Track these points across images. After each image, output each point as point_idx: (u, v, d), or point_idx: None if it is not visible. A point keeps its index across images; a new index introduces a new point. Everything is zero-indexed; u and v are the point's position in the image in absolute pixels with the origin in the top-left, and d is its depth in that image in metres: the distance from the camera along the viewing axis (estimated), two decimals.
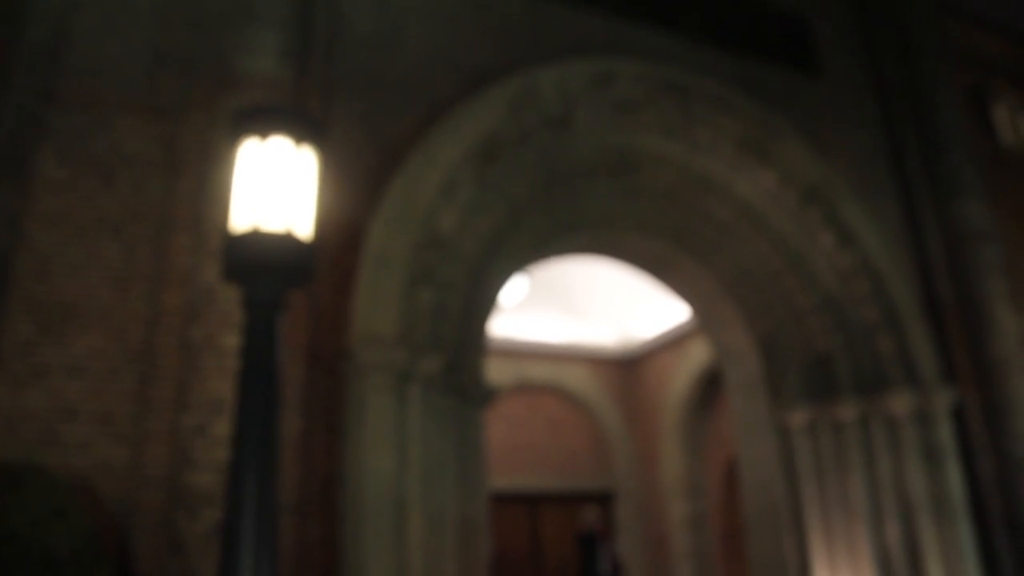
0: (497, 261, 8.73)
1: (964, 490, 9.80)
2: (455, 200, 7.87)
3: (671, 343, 17.70)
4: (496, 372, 17.07)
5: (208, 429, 6.25)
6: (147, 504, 6.24)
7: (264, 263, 3.39)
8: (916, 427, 9.93)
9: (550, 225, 9.37)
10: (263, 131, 3.55)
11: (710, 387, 16.85)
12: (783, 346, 10.49)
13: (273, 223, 3.47)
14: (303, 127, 3.60)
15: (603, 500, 18.12)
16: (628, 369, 18.79)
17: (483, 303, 8.53)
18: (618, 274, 16.40)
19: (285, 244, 3.43)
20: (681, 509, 17.13)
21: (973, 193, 11.19)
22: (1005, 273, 11.83)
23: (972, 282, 10.75)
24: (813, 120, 10.90)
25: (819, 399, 10.25)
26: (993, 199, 13.20)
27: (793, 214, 10.21)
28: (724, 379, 11.49)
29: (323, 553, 6.79)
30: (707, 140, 9.76)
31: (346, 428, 6.98)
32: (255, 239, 3.40)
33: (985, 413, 10.30)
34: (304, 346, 7.07)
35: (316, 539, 6.78)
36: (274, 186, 3.52)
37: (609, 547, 10.60)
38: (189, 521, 5.92)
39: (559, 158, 9.00)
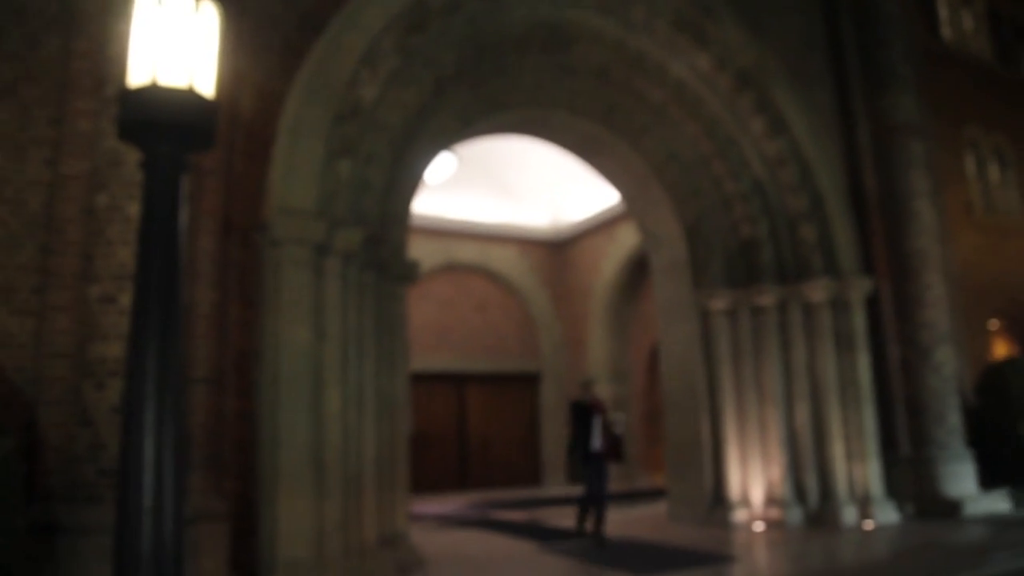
0: (423, 136, 8.49)
1: (871, 375, 10.17)
2: (378, 70, 7.54)
3: (601, 226, 17.75)
4: (424, 252, 16.93)
5: (117, 299, 6.03)
6: (52, 376, 6.06)
7: (163, 119, 3.18)
8: (832, 314, 10.19)
9: (479, 101, 9.10)
10: None
11: (638, 272, 17.03)
12: (709, 231, 10.56)
13: (173, 77, 3.26)
14: None
15: (529, 381, 18.46)
16: (558, 251, 18.85)
17: (407, 178, 8.33)
18: (550, 155, 16.16)
19: (186, 100, 3.23)
20: (605, 392, 17.55)
21: (906, 88, 11.20)
22: (930, 170, 12.03)
23: (897, 176, 10.89)
24: (751, 3, 10.66)
25: (741, 285, 10.41)
26: (927, 95, 13.28)
27: (726, 98, 10.11)
28: (650, 263, 11.58)
29: (238, 426, 6.74)
30: (642, 18, 9.50)
31: (262, 301, 6.83)
32: (153, 93, 3.19)
33: (897, 304, 10.61)
34: (218, 217, 6.82)
35: (231, 412, 6.72)
36: (174, 40, 3.29)
37: (604, 420, 9.07)
38: (96, 392, 5.77)
39: (490, 30, 8.67)
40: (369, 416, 7.29)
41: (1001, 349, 21.71)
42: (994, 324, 20.06)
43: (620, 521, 11.37)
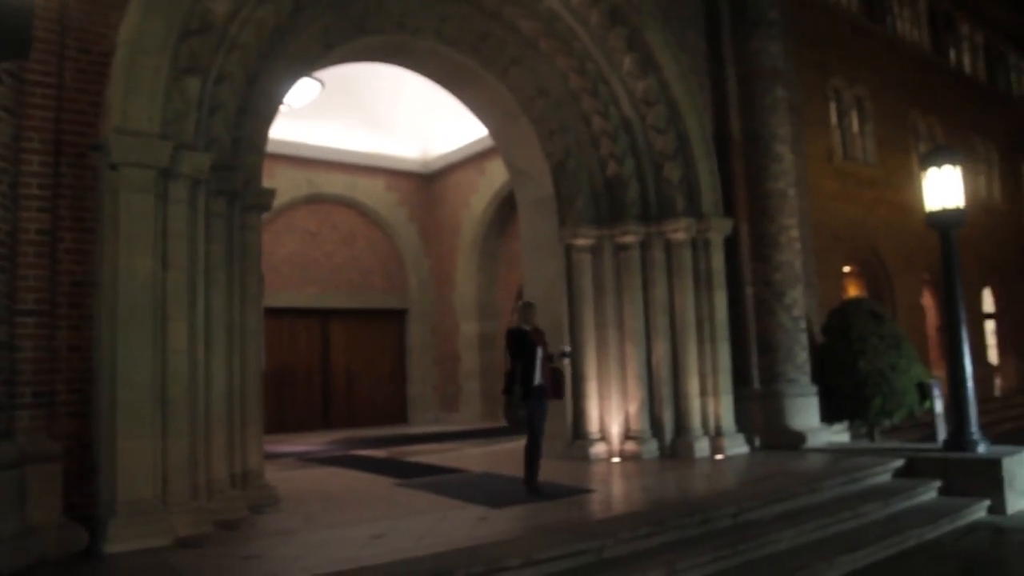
0: (281, 58, 8.00)
1: (728, 314, 10.48)
2: None
3: (472, 159, 17.46)
4: (287, 182, 16.33)
5: None
6: None
7: None
8: (693, 254, 10.39)
9: (342, 23, 8.65)
10: None
11: (508, 208, 16.88)
12: (575, 168, 10.52)
13: None
14: None
15: (396, 318, 18.25)
16: (427, 184, 18.54)
17: (264, 103, 7.86)
18: (421, 84, 15.75)
19: None
20: (472, 328, 17.55)
21: (775, 34, 11.35)
22: (793, 115, 12.37)
23: (761, 120, 11.10)
24: None
25: (606, 222, 10.46)
26: (796, 43, 13.58)
27: (596, 34, 9.99)
28: (516, 199, 11.50)
29: (73, 362, 6.29)
30: None
31: (100, 228, 6.34)
32: None
33: (754, 245, 10.93)
34: (48, 134, 6.25)
35: (65, 347, 6.26)
36: None
37: (545, 352, 7.90)
38: None
39: None
40: (219, 351, 6.94)
41: (854, 292, 22.99)
42: (848, 268, 21.20)
43: (483, 455, 11.47)
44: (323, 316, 17.30)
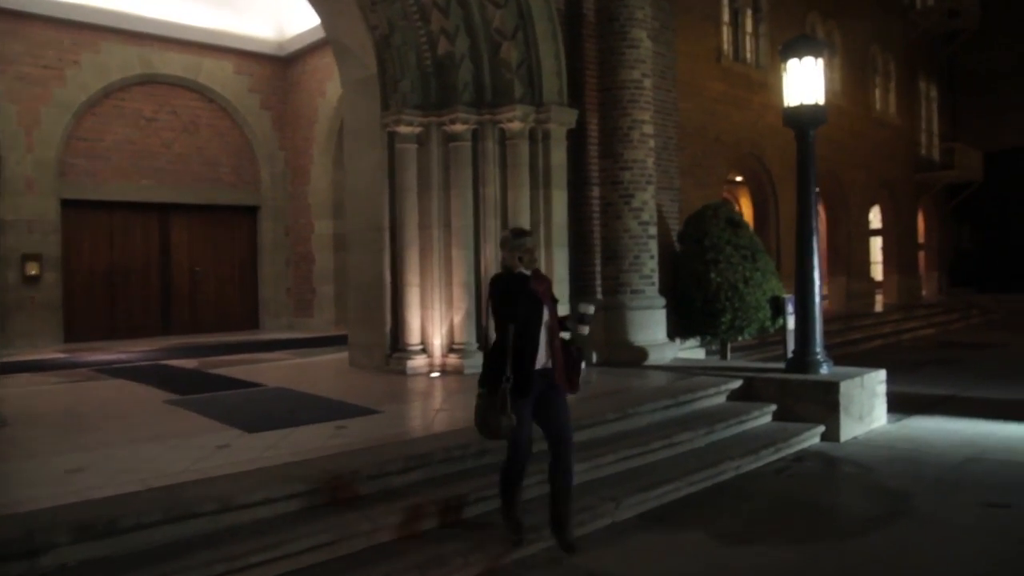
0: None
1: (568, 216, 9.43)
2: None
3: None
4: (113, 59, 14.48)
5: None
6: None
7: None
8: (530, 147, 9.23)
9: None
10: None
11: None
12: (401, 44, 9.14)
13: None
14: None
15: (246, 214, 16.75)
16: (282, 68, 16.80)
17: None
18: None
19: None
20: (327, 227, 16.21)
21: None
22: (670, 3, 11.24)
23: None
24: None
25: (434, 108, 9.17)
26: None
27: None
28: (340, 78, 10.10)
29: None
30: None
31: None
32: None
33: (603, 140, 9.82)
34: None
35: None
36: None
37: (553, 315, 4.85)
38: None
39: None
40: None
41: (745, 201, 22.32)
42: (733, 174, 20.43)
43: (297, 368, 10.37)
44: (162, 211, 15.66)
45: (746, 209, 22.31)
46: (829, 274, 22.71)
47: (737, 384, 8.18)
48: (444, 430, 6.20)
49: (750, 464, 6.74)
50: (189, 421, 6.72)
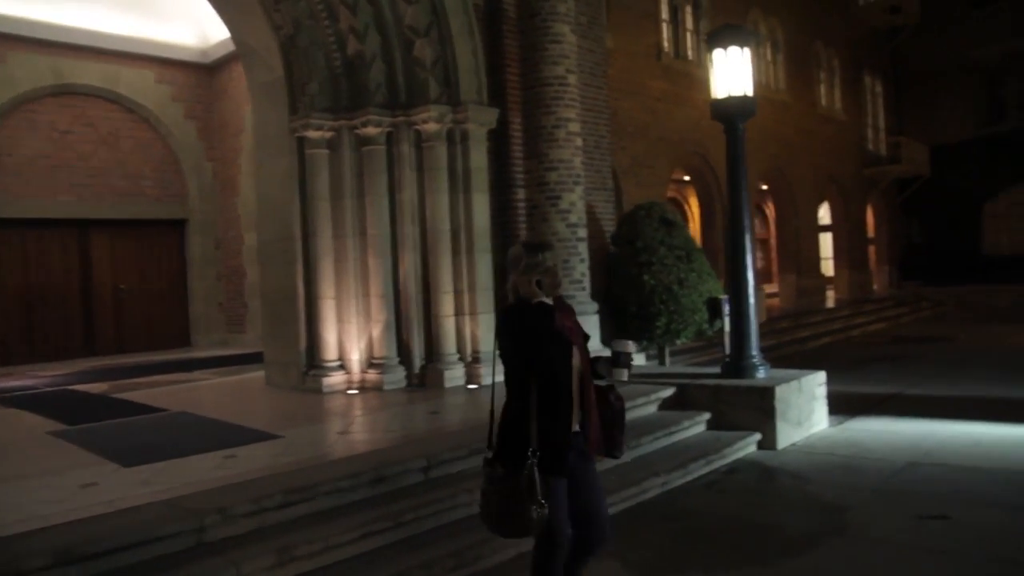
0: None
1: (491, 220, 8.95)
2: None
3: None
4: (23, 70, 13.76)
5: None
6: None
7: None
8: (449, 149, 8.75)
9: None
10: None
11: None
12: (308, 45, 8.60)
13: None
14: None
15: (173, 229, 16.06)
16: (207, 76, 16.14)
17: None
18: None
19: None
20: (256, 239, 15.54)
21: None
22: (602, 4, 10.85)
23: None
24: None
25: (345, 111, 8.66)
26: None
27: None
28: (247, 82, 9.55)
29: None
30: None
31: None
32: None
33: (528, 140, 9.37)
34: None
35: None
36: None
37: (585, 359, 3.56)
38: None
39: None
40: None
41: (694, 201, 22.02)
42: (680, 174, 20.10)
43: (206, 389, 9.82)
44: (82, 227, 14.90)
45: (694, 208, 22.06)
46: (779, 271, 22.53)
47: (669, 392, 7.75)
48: (341, 456, 5.66)
49: (678, 479, 6.30)
50: (65, 455, 6.13)
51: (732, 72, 7.99)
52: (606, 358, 3.67)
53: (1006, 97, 26.78)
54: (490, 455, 3.51)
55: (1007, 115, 26.60)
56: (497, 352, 3.53)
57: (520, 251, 3.61)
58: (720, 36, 8.13)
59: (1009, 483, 6.02)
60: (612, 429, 3.61)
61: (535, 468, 3.28)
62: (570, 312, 3.67)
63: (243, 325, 15.73)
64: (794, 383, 7.65)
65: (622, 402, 3.70)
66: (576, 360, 3.48)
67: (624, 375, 3.61)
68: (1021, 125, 25.98)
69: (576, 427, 3.50)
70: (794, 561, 4.66)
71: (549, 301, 3.50)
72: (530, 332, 3.41)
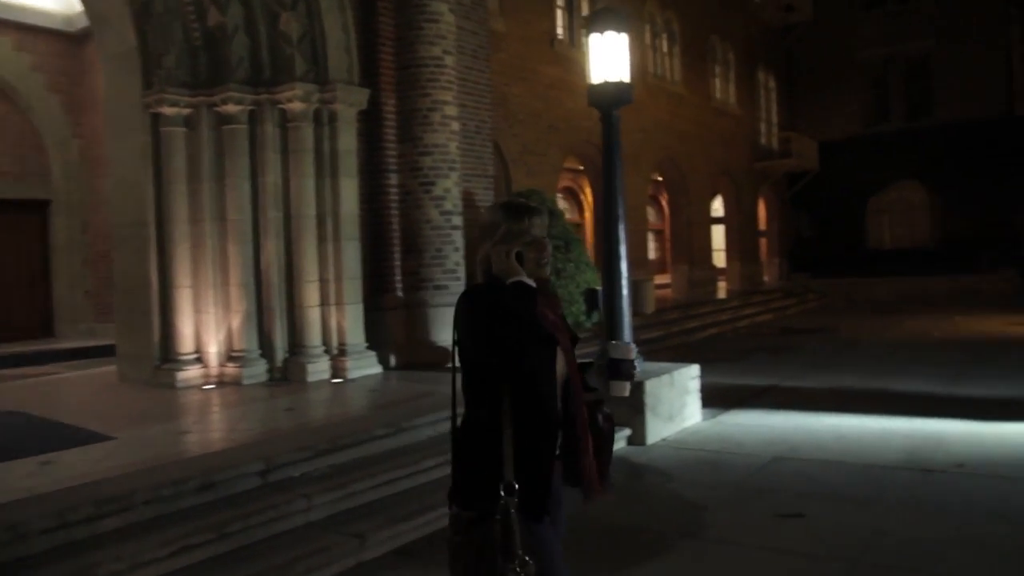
0: None
1: (359, 206, 8.54)
2: None
3: None
4: None
5: None
6: None
7: None
8: (316, 131, 8.29)
9: None
10: None
11: None
12: (164, 14, 8.00)
13: None
14: None
15: (34, 211, 15.03)
16: (74, 46, 15.07)
17: None
18: None
19: None
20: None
21: None
22: None
23: None
24: None
25: (204, 86, 8.10)
26: None
27: None
28: (98, 53, 8.88)
29: None
30: None
31: None
32: None
33: (402, 123, 8.98)
34: None
35: None
36: None
37: (572, 364, 2.64)
38: None
39: None
40: None
41: (589, 191, 21.94)
42: (575, 163, 19.96)
43: (52, 384, 9.18)
44: None
45: (589, 198, 22.02)
46: (672, 262, 22.72)
47: None
48: (170, 461, 5.20)
49: None
50: None
51: (609, 57, 7.77)
52: (598, 364, 2.78)
53: (891, 97, 27.66)
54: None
55: (892, 114, 27.49)
56: (455, 348, 2.60)
57: (498, 214, 2.65)
58: (598, 20, 7.90)
59: (864, 477, 6.02)
60: (599, 458, 2.68)
61: (511, 510, 2.34)
62: (555, 302, 2.78)
63: (112, 314, 14.83)
64: (665, 377, 7.52)
65: (611, 423, 2.79)
66: (560, 364, 2.58)
67: (625, 389, 2.75)
68: (904, 125, 26.89)
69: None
70: (643, 568, 4.45)
71: (531, 282, 2.50)
72: (504, 319, 2.41)
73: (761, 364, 12.01)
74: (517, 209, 2.64)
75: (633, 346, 2.81)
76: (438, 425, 6.35)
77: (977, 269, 23.60)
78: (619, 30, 7.81)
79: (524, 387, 2.45)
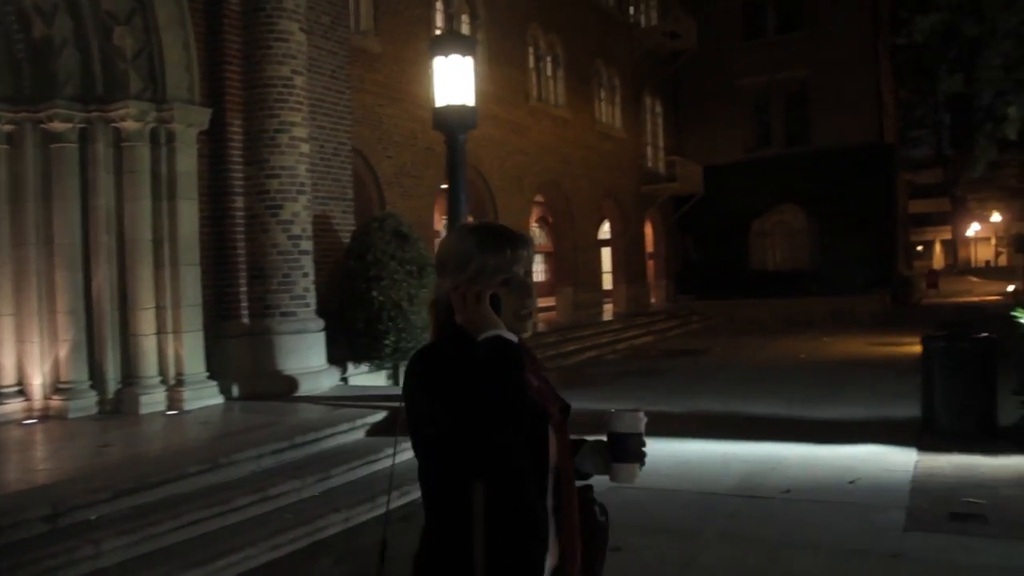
0: None
1: (204, 230, 8.23)
2: None
3: None
4: None
5: None
6: None
7: None
8: (152, 152, 7.95)
9: None
10: None
11: None
12: None
13: None
14: None
15: None
16: None
17: None
18: None
19: None
20: None
21: None
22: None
23: None
24: None
25: (29, 102, 7.70)
26: None
27: None
28: None
29: None
30: None
31: None
32: None
33: (248, 145, 8.71)
34: None
35: None
36: None
37: (564, 433, 1.93)
38: None
39: None
40: None
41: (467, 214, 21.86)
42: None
43: None
44: None
45: (469, 220, 21.92)
46: (556, 284, 22.83)
47: (380, 416, 7.33)
48: None
49: (365, 514, 5.85)
50: None
51: (453, 81, 7.69)
52: (598, 443, 2.09)
53: (771, 124, 28.59)
54: None
55: (772, 140, 28.39)
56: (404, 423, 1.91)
57: (468, 241, 1.87)
58: (441, 43, 7.83)
59: (693, 505, 6.04)
60: (592, 558, 1.97)
61: None
62: (534, 363, 2.01)
63: None
64: None
65: (607, 517, 2.06)
66: (553, 448, 1.91)
67: (634, 474, 2.03)
68: (784, 151, 27.79)
69: (553, 562, 1.86)
70: None
71: (512, 337, 1.79)
72: (478, 392, 1.70)
73: (629, 388, 12.07)
74: (497, 237, 1.87)
75: (642, 415, 2.03)
76: (263, 460, 6.12)
77: (853, 291, 24.46)
78: (464, 53, 7.75)
79: (506, 487, 1.76)
